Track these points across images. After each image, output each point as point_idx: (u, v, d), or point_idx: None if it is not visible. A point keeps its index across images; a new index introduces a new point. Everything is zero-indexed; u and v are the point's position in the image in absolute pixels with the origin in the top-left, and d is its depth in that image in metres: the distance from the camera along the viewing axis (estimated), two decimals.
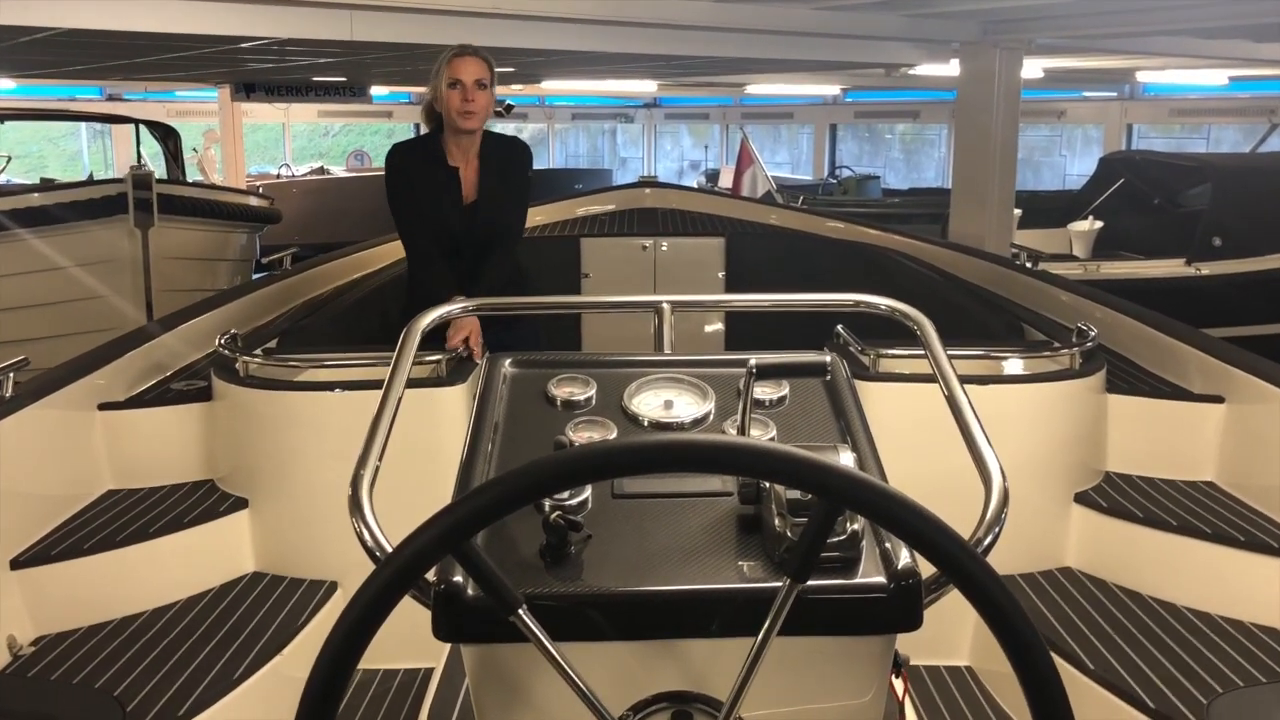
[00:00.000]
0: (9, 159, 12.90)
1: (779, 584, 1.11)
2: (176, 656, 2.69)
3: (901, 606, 1.24)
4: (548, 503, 1.30)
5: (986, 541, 1.39)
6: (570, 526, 1.26)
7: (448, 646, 2.01)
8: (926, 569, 1.17)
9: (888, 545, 1.29)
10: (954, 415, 1.62)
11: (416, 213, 3.57)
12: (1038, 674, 1.00)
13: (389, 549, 1.25)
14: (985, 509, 1.43)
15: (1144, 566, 3.06)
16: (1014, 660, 1.00)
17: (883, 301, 1.97)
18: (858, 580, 1.25)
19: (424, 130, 3.77)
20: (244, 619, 2.90)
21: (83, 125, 20.86)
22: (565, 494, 1.33)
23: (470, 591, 1.22)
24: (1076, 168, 17.73)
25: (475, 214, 3.58)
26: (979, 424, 1.58)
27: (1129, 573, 3.08)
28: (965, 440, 1.56)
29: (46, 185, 8.53)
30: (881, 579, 1.25)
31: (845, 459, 1.32)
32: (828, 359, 1.54)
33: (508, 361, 1.70)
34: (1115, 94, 15.10)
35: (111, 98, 16.63)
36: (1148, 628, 2.82)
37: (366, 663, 3.05)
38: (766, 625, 1.10)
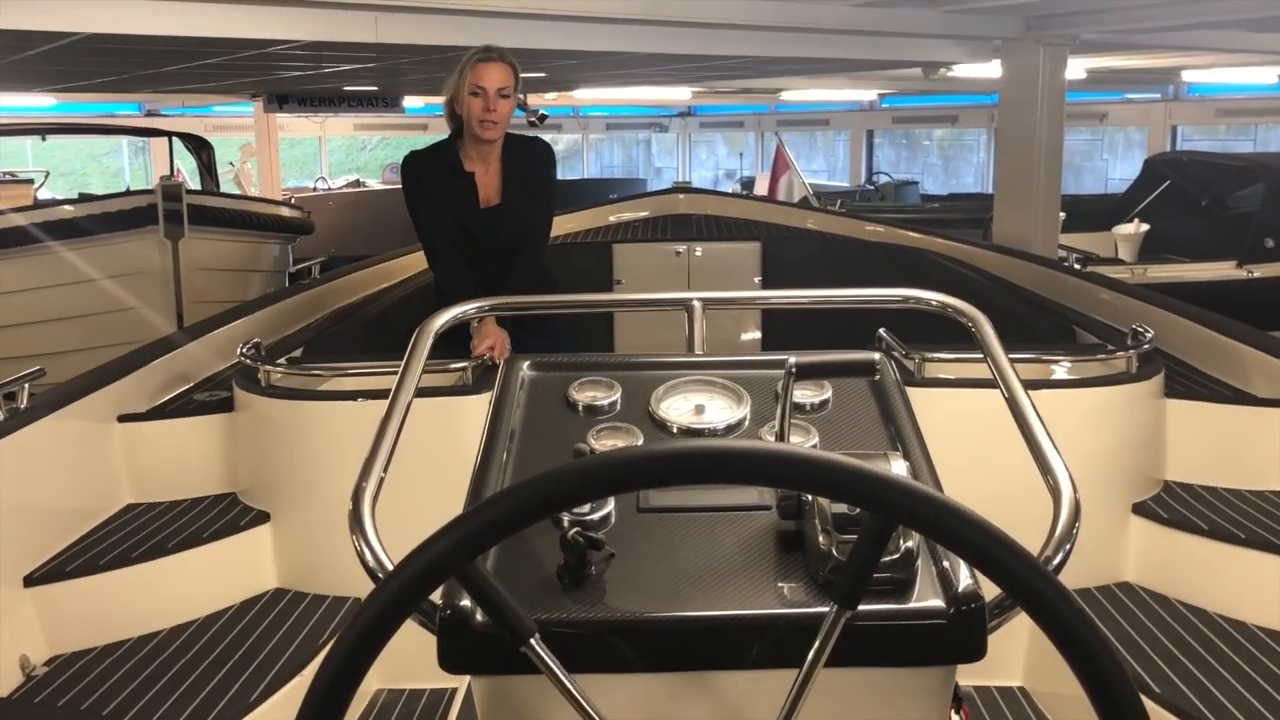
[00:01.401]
0: (47, 174, 13.06)
1: (824, 609, 0.99)
2: (193, 677, 2.60)
3: (963, 634, 1.12)
4: (566, 518, 1.19)
5: (1057, 560, 1.26)
6: (590, 544, 1.15)
7: None
8: (988, 590, 1.05)
9: (946, 565, 1.16)
10: (1016, 421, 1.48)
11: (436, 220, 3.52)
12: (1122, 716, 0.87)
13: (390, 568, 1.14)
14: (1054, 524, 1.29)
15: (1210, 582, 2.89)
16: (1095, 699, 0.87)
17: (934, 297, 1.84)
18: (913, 605, 1.13)
19: None
20: (264, 637, 2.81)
21: (124, 142, 21.14)
22: (585, 508, 1.22)
23: (479, 617, 1.11)
24: (1119, 171, 17.45)
25: (498, 219, 3.51)
26: (1045, 430, 1.44)
27: (1193, 588, 2.92)
28: (1030, 448, 1.42)
29: (79, 199, 8.55)
30: (940, 603, 1.12)
31: (898, 468, 1.19)
32: (875, 356, 1.41)
33: (526, 364, 1.59)
34: (1159, 95, 14.82)
35: (150, 113, 16.77)
36: (1217, 648, 2.65)
37: (389, 682, 2.96)
38: (811, 656, 0.99)
